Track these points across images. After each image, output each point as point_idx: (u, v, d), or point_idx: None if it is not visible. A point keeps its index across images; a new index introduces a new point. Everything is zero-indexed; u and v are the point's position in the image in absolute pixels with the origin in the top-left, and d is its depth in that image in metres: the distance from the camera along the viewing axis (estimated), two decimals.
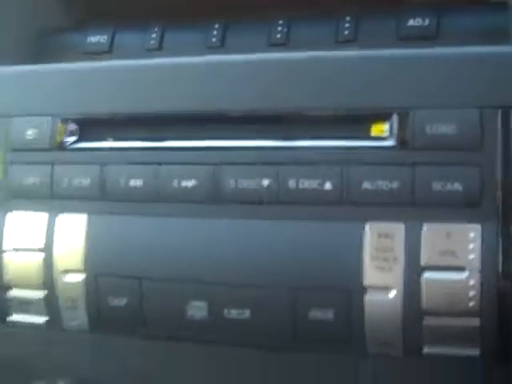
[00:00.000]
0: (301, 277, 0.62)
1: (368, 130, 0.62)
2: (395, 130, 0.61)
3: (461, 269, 0.60)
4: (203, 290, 0.65)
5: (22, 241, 0.71)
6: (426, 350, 0.61)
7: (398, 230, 0.61)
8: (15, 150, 0.72)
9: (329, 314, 0.62)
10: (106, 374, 0.73)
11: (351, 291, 0.62)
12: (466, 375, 0.62)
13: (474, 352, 0.60)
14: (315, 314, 0.62)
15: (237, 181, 0.65)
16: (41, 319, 0.72)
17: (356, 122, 0.62)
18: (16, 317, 0.72)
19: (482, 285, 0.59)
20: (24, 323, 0.72)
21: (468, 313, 0.59)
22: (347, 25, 0.70)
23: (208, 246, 0.65)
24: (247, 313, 0.64)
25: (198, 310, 0.66)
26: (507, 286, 0.59)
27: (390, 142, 0.62)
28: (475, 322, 0.59)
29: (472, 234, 0.59)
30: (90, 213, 0.69)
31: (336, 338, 0.62)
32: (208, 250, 0.65)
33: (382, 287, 0.61)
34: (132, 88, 0.68)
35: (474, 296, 0.59)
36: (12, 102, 0.73)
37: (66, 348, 0.73)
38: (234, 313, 0.64)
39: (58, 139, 0.71)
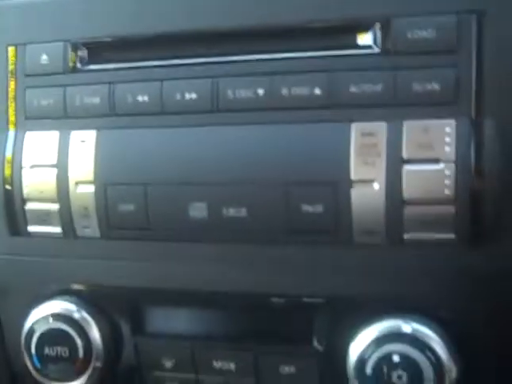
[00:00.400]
0: (293, 174, 0.68)
1: (353, 39, 0.68)
2: (378, 38, 0.67)
3: (437, 161, 0.65)
4: (203, 192, 0.71)
5: (38, 158, 0.77)
6: (406, 236, 0.66)
7: (380, 128, 0.67)
8: (30, 74, 0.78)
9: (319, 207, 0.67)
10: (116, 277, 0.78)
11: (339, 185, 0.67)
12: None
13: (449, 236, 0.65)
14: (306, 207, 0.68)
15: (234, 91, 0.71)
16: (56, 229, 0.77)
17: (342, 32, 0.68)
18: (34, 228, 0.78)
19: (456, 175, 0.64)
20: (41, 233, 0.78)
21: (444, 201, 0.65)
22: None
23: (207, 151, 0.71)
24: (244, 211, 0.70)
25: (198, 210, 0.71)
26: (479, 176, 0.65)
27: (373, 49, 0.67)
28: (450, 209, 0.65)
29: (448, 129, 0.65)
30: (99, 128, 0.74)
31: (326, 229, 0.68)
32: (207, 155, 0.71)
33: (367, 180, 0.67)
34: (133, 12, 0.75)
35: (449, 185, 0.64)
36: (25, 31, 0.79)
37: (79, 254, 0.78)
38: (231, 211, 0.70)
39: (70, 63, 0.76)
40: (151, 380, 0.79)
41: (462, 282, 0.67)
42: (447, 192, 0.64)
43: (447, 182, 0.64)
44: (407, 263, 0.67)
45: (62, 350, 0.77)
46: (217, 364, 0.76)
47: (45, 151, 0.76)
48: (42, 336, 0.78)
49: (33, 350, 0.78)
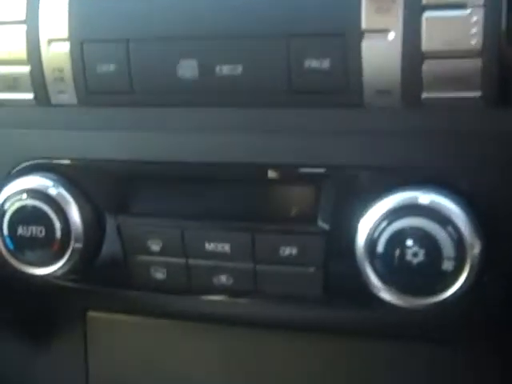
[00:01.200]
0: (295, 24, 0.60)
1: None
2: None
3: (463, 5, 0.56)
4: (193, 47, 0.62)
5: (4, 13, 0.68)
6: (424, 95, 0.58)
7: None
8: None
9: (325, 63, 0.59)
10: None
11: (348, 37, 0.59)
12: None
13: (474, 94, 0.57)
14: (311, 63, 0.60)
15: None
16: (28, 95, 0.69)
17: None
18: (2, 95, 0.70)
19: (485, 22, 0.56)
20: (11, 100, 0.70)
21: (469, 53, 0.56)
22: None
23: (198, 0, 0.62)
24: (239, 68, 0.61)
25: (188, 69, 0.63)
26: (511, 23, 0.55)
27: None
28: (477, 62, 0.56)
29: None
30: None
31: (332, 88, 0.60)
32: (198, 4, 0.62)
33: (381, 30, 0.58)
34: None
35: (476, 34, 0.56)
36: None
37: (55, 124, 0.70)
38: (225, 69, 0.62)
39: None
40: (136, 265, 0.71)
41: (488, 148, 0.59)
42: (473, 42, 0.56)
43: (474, 30, 0.56)
44: (425, 127, 0.60)
45: (38, 230, 0.70)
46: (209, 246, 0.68)
47: (11, 5, 0.67)
48: (15, 214, 0.70)
49: (5, 231, 0.70)
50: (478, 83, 0.57)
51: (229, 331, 0.78)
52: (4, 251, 0.71)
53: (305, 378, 0.78)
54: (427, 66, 0.57)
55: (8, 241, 0.71)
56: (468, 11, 0.56)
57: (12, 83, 0.68)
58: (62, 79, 0.66)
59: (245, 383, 0.81)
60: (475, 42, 0.56)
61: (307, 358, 0.78)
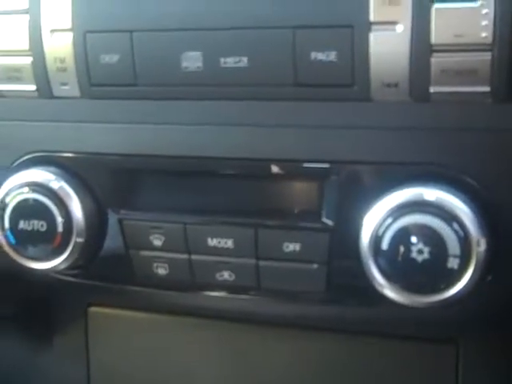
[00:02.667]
0: (301, 16, 0.59)
1: None
2: None
3: None
4: (198, 39, 0.61)
5: (6, 3, 0.67)
6: (433, 89, 0.57)
7: None
8: None
9: (331, 55, 0.58)
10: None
11: (356, 29, 0.58)
12: None
13: (483, 89, 0.56)
14: (317, 55, 0.58)
15: None
16: (30, 87, 0.68)
17: None
18: (4, 86, 0.69)
19: (496, 13, 0.54)
20: (12, 92, 0.69)
21: (479, 46, 0.55)
22: None
23: None
24: (244, 60, 0.60)
25: (192, 60, 0.62)
26: None
27: None
28: (486, 56, 0.55)
29: None
30: None
31: (339, 81, 0.59)
32: None
33: (389, 22, 0.57)
34: None
35: (487, 26, 0.55)
36: None
37: (57, 117, 0.69)
38: (230, 61, 0.61)
39: None
40: (138, 261, 0.70)
41: (495, 144, 0.58)
42: (484, 35, 0.55)
43: (484, 22, 0.54)
44: (432, 122, 0.59)
45: (39, 224, 0.68)
46: (212, 242, 0.67)
47: None
48: (17, 208, 0.69)
49: (6, 225, 0.69)
50: (487, 78, 0.55)
51: (231, 327, 0.76)
52: (5, 245, 0.70)
53: (307, 376, 0.77)
54: (436, 59, 0.56)
55: (9, 235, 0.69)
56: (478, 3, 0.55)
57: (14, 74, 0.67)
58: (64, 70, 0.65)
59: (247, 380, 0.79)
60: (485, 34, 0.55)
61: (310, 356, 0.77)
